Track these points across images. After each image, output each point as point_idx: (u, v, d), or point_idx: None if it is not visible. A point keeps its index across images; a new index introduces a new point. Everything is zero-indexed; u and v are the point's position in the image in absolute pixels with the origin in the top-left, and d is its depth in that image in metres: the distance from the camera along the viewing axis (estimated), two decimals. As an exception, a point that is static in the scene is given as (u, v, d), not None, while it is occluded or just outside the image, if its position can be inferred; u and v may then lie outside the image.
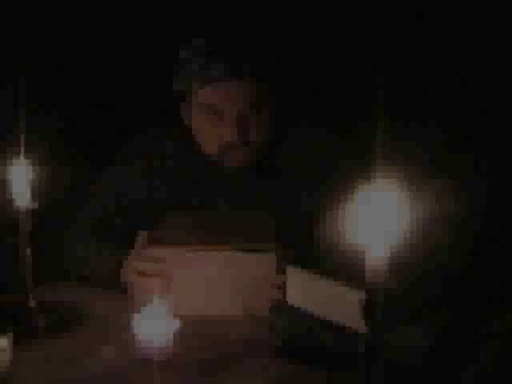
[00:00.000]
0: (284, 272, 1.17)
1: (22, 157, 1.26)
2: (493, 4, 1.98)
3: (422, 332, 1.14)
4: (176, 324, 1.12)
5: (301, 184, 1.57)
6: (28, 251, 1.24)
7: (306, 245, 1.40)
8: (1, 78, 1.87)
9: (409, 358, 1.06)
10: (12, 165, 1.25)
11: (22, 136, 1.32)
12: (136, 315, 1.13)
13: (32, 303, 1.26)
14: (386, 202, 0.76)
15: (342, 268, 1.05)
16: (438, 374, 1.05)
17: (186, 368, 1.09)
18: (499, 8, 1.98)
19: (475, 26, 2.01)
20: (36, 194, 1.26)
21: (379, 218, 0.76)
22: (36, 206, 1.25)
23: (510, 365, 1.08)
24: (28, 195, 1.25)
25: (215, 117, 1.48)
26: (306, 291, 1.09)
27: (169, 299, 1.19)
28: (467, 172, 1.90)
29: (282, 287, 1.18)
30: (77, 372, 1.08)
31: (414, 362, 1.06)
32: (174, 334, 1.11)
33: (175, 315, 1.13)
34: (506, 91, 2.04)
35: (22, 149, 1.27)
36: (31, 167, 1.26)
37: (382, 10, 2.09)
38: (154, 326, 1.10)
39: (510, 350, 1.14)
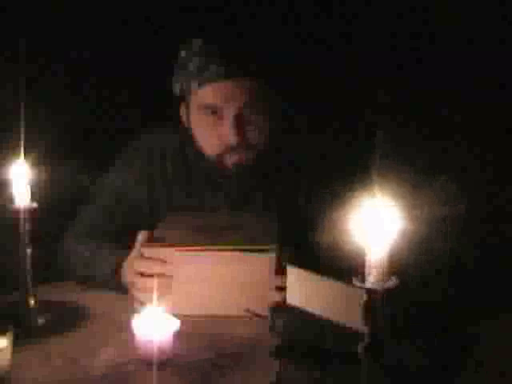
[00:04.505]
0: (284, 272, 1.17)
1: (21, 157, 1.26)
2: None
3: (421, 333, 1.14)
4: (176, 324, 1.12)
5: (301, 184, 1.57)
6: (28, 251, 1.24)
7: (306, 245, 1.40)
8: (1, 78, 1.87)
9: (409, 359, 1.06)
10: (12, 165, 1.25)
11: (22, 136, 1.32)
12: (136, 315, 1.13)
13: (32, 303, 1.26)
14: (386, 203, 0.76)
15: (342, 268, 1.05)
16: (437, 374, 1.05)
17: (185, 368, 1.09)
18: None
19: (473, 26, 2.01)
20: (36, 193, 1.26)
21: (379, 218, 0.76)
22: (36, 205, 1.25)
23: (507, 364, 1.09)
24: (28, 195, 1.25)
25: (214, 117, 1.48)
26: (306, 291, 1.09)
27: (169, 299, 1.19)
28: (467, 172, 1.90)
29: (283, 287, 1.18)
30: (77, 372, 1.08)
31: (414, 362, 1.07)
32: (174, 333, 1.11)
33: (175, 315, 1.13)
34: (505, 91, 2.04)
35: (22, 149, 1.27)
36: (31, 167, 1.26)
37: (382, 10, 2.09)
38: (154, 326, 1.10)
39: (507, 349, 1.15)
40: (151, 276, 1.28)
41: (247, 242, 1.29)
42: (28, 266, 1.24)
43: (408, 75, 2.02)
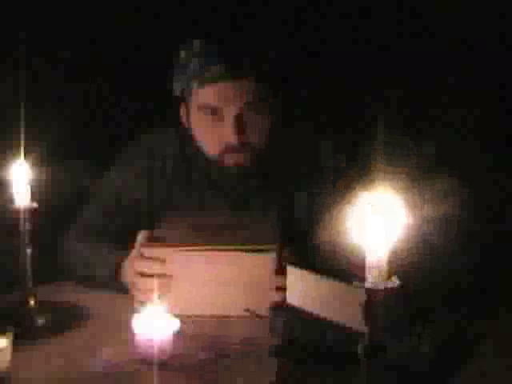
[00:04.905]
0: (284, 272, 1.17)
1: (21, 157, 1.26)
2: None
3: (422, 334, 1.14)
4: (176, 324, 1.12)
5: (301, 184, 1.57)
6: (28, 251, 1.24)
7: (306, 245, 1.40)
8: (1, 78, 1.87)
9: (409, 360, 1.06)
10: (12, 165, 1.25)
11: (22, 136, 1.32)
12: (136, 315, 1.13)
13: (32, 303, 1.26)
14: (387, 202, 0.76)
15: (342, 268, 1.05)
16: (437, 375, 1.05)
17: (186, 368, 1.09)
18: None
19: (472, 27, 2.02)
20: (36, 193, 1.26)
21: (380, 218, 0.76)
22: (36, 205, 1.25)
23: (507, 364, 1.09)
24: (28, 195, 1.25)
25: (214, 117, 1.48)
26: (306, 291, 1.09)
27: (169, 299, 1.19)
28: (468, 171, 1.90)
29: (283, 287, 1.18)
30: (77, 372, 1.08)
31: (415, 363, 1.06)
32: (174, 333, 1.11)
33: (175, 315, 1.13)
34: (507, 90, 2.04)
35: (22, 149, 1.27)
36: (31, 167, 1.26)
37: (382, 10, 2.09)
38: (154, 326, 1.10)
39: (507, 349, 1.15)
40: (151, 276, 1.28)
41: (247, 241, 1.29)
42: (28, 266, 1.24)
43: (408, 73, 2.02)
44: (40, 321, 1.25)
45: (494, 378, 1.05)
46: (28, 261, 1.24)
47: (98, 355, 1.13)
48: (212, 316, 1.28)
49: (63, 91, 2.04)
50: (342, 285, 1.00)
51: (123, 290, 1.37)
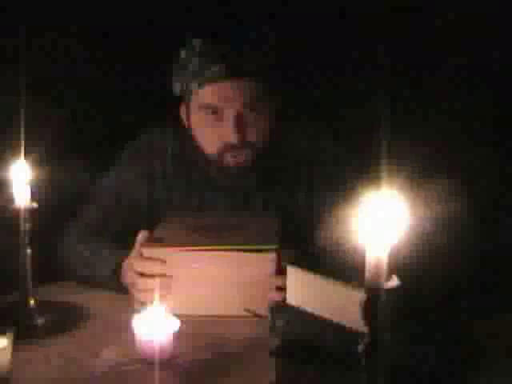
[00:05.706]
0: (284, 272, 1.17)
1: (21, 157, 1.26)
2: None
3: (422, 335, 1.14)
4: (176, 324, 1.12)
5: (301, 184, 1.57)
6: (28, 251, 1.24)
7: (306, 245, 1.40)
8: (1, 78, 1.87)
9: (409, 360, 1.06)
10: (12, 165, 1.25)
11: (22, 136, 1.32)
12: (136, 315, 1.13)
13: (32, 303, 1.26)
14: (387, 201, 0.75)
15: (342, 268, 1.05)
16: (438, 374, 1.05)
17: (186, 368, 1.09)
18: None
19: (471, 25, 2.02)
20: (36, 193, 1.26)
21: (380, 217, 0.76)
22: (36, 205, 1.25)
23: (507, 364, 1.09)
24: (28, 195, 1.25)
25: (214, 117, 1.48)
26: (306, 291, 1.09)
27: (169, 299, 1.19)
28: (468, 172, 1.91)
29: (283, 287, 1.18)
30: (77, 372, 1.08)
31: (415, 363, 1.06)
32: (174, 333, 1.11)
33: (175, 315, 1.13)
34: (507, 90, 2.04)
35: (22, 149, 1.27)
36: (31, 167, 1.26)
37: (382, 10, 2.09)
38: (154, 326, 1.10)
39: (507, 349, 1.15)
40: (151, 276, 1.28)
41: (247, 242, 1.29)
42: (28, 266, 1.24)
43: (409, 73, 2.02)
44: (40, 321, 1.25)
45: (494, 378, 1.05)
46: (28, 261, 1.24)
47: (98, 355, 1.13)
48: (212, 316, 1.28)
49: (63, 91, 2.04)
50: (342, 285, 1.00)
51: (123, 290, 1.37)
